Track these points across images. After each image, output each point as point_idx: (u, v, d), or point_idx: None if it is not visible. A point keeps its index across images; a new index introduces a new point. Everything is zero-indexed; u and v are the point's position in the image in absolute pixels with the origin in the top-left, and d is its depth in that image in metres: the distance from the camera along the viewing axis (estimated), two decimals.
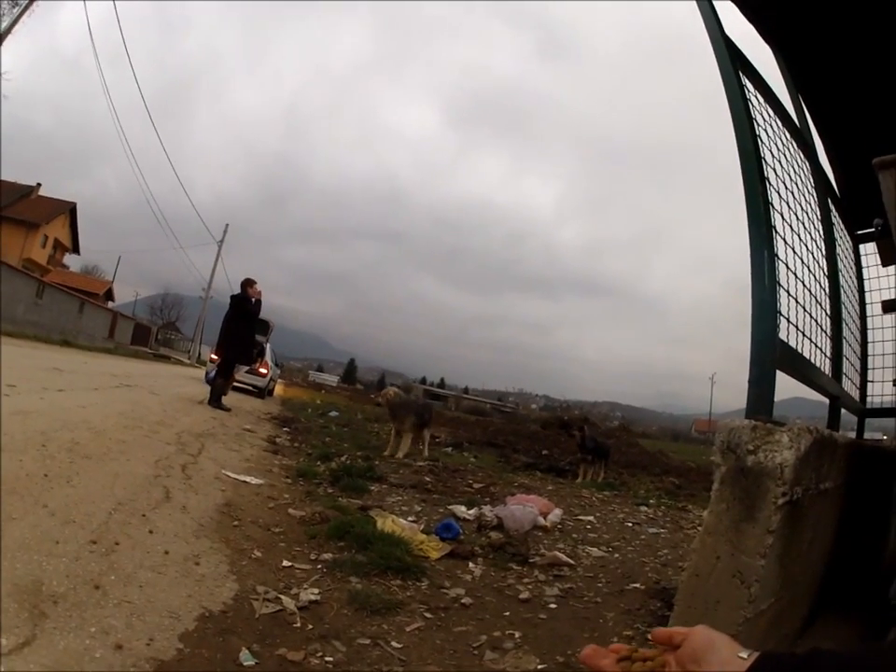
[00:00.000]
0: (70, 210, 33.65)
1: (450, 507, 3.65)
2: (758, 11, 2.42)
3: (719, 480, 1.44)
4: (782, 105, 2.29)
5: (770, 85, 2.18)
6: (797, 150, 2.30)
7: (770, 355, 1.58)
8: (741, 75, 1.90)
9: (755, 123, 1.87)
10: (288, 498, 3.50)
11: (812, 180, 2.35)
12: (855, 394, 2.66)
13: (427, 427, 6.53)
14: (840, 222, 2.69)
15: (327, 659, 1.59)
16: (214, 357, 9.20)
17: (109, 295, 36.05)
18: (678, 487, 6.64)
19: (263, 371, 13.63)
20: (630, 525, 3.86)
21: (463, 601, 2.15)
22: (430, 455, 6.40)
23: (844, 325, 2.37)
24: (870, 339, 2.79)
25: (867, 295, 2.81)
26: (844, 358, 2.34)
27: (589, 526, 3.67)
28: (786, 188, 1.99)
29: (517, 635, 1.88)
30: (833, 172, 2.77)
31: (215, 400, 7.82)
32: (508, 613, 2.09)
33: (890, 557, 2.02)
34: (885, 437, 3.66)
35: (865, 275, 2.81)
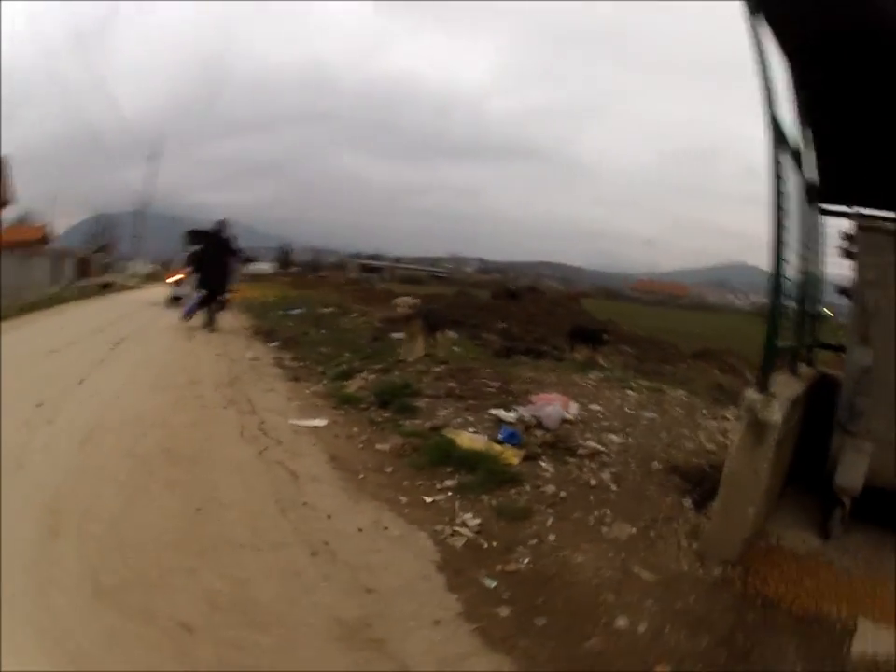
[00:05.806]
0: None
1: (492, 412, 3.94)
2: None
3: (744, 425, 2.50)
4: None
5: None
6: None
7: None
8: None
9: None
10: (358, 432, 3.92)
11: None
12: None
13: (437, 331, 6.51)
14: None
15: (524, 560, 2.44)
16: (176, 278, 9.94)
17: (45, 238, 29.77)
18: (639, 360, 7.98)
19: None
20: (628, 410, 4.34)
21: (561, 495, 2.93)
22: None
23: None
24: None
25: None
26: None
27: (600, 416, 4.08)
28: None
29: (608, 512, 2.80)
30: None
31: (210, 323, 9.16)
32: (591, 498, 2.93)
33: (831, 460, 2.80)
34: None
35: None
